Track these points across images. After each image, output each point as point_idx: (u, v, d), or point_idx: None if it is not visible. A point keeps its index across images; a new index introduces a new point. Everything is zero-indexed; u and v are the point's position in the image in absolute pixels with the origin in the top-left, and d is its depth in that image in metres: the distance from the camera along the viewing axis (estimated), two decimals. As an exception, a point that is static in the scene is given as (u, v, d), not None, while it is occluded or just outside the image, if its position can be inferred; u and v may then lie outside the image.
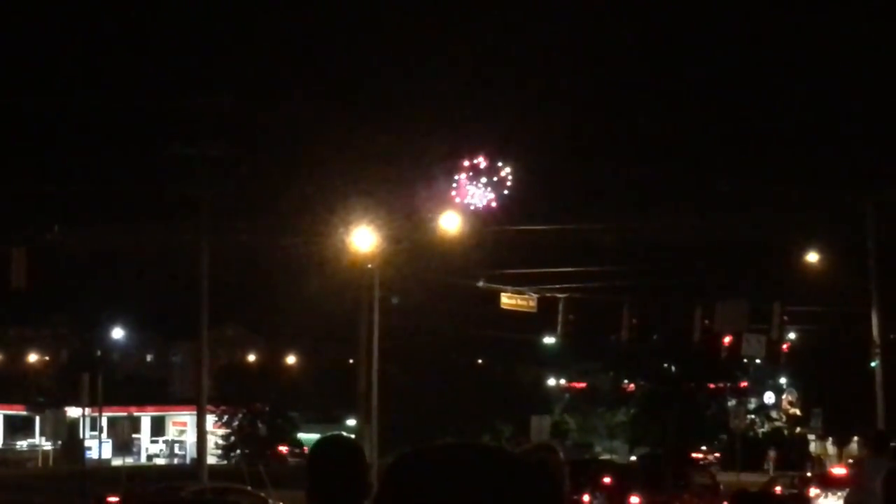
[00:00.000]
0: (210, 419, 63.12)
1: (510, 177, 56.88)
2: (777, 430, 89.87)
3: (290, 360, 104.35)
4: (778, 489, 47.90)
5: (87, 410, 58.98)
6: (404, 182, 54.23)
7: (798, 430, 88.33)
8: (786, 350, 66.36)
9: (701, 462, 53.75)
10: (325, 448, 5.54)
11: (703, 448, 67.06)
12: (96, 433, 69.59)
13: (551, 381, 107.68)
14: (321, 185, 53.34)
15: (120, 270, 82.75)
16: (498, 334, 73.99)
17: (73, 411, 73.21)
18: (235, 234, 52.03)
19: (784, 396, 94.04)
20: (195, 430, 54.91)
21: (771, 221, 60.80)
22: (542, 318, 57.62)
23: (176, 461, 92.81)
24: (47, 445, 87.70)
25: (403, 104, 74.62)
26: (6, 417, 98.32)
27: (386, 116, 70.21)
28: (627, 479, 45.39)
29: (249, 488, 43.93)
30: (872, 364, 53.68)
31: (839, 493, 38.84)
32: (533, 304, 54.10)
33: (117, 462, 75.55)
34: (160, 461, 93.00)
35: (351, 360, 63.17)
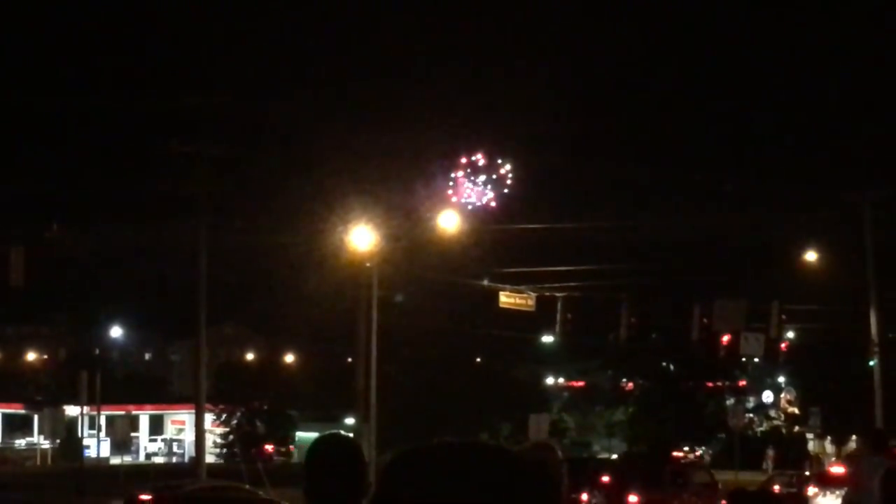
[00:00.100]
0: (209, 418, 63.09)
1: (510, 174, 56.92)
2: (775, 429, 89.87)
3: (289, 358, 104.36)
4: (776, 488, 47.91)
5: (86, 409, 59.02)
6: (403, 180, 54.28)
7: (796, 428, 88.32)
8: (784, 349, 66.30)
9: (682, 460, 53.65)
10: (324, 447, 5.53)
11: (686, 448, 67.00)
12: (95, 431, 69.64)
13: (550, 380, 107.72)
14: (320, 183, 53.35)
15: (119, 269, 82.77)
16: (496, 333, 74.01)
17: (71, 410, 73.23)
18: (234, 232, 52.01)
19: (782, 395, 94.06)
20: (194, 428, 54.88)
21: (769, 220, 60.82)
22: (540, 317, 57.61)
23: (174, 460, 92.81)
24: (46, 444, 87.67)
25: (402, 102, 74.63)
26: (5, 416, 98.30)
27: (385, 115, 70.26)
28: (626, 477, 45.38)
29: (248, 486, 43.97)
30: (871, 363, 53.70)
31: (837, 492, 38.88)
32: (531, 302, 54.09)
33: (116, 461, 75.58)
34: (158, 460, 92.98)
35: (349, 359, 63.21)
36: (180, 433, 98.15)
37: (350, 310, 53.08)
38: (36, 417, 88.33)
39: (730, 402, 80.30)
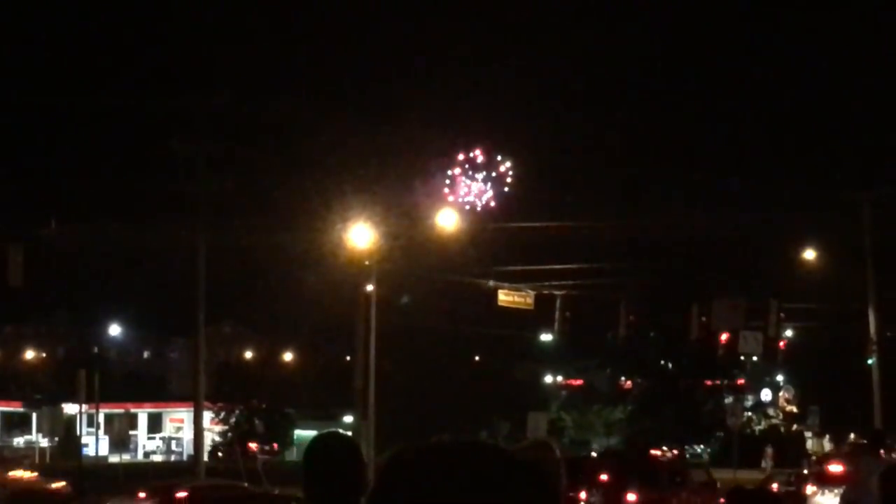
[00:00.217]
0: (207, 416, 63.11)
1: (510, 172, 56.91)
2: (774, 428, 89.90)
3: (288, 357, 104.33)
4: (774, 486, 47.91)
5: (84, 407, 58.99)
6: (402, 178, 54.26)
7: (795, 427, 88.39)
8: (783, 347, 66.33)
9: (661, 458, 53.59)
10: (322, 445, 5.53)
11: (664, 447, 67.03)
12: (93, 430, 69.51)
13: (548, 379, 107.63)
14: (318, 181, 53.33)
15: (117, 267, 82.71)
16: (495, 331, 74.03)
17: (69, 408, 73.24)
18: (233, 231, 52.02)
19: (781, 394, 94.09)
20: (192, 426, 54.90)
21: (768, 219, 60.85)
22: (539, 316, 57.64)
23: (173, 458, 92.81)
24: (44, 442, 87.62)
25: (401, 100, 74.63)
26: (3, 414, 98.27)
27: (384, 112, 70.26)
28: (625, 476, 45.36)
29: (246, 485, 43.96)
30: (869, 361, 53.76)
31: (836, 491, 38.85)
32: (530, 301, 54.11)
33: (114, 459, 75.51)
34: (157, 458, 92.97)
35: (348, 357, 63.20)
36: (179, 431, 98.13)
37: (348, 308, 53.08)
38: (34, 416, 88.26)
39: (728, 400, 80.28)
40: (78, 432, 61.56)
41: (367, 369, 50.80)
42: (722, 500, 36.71)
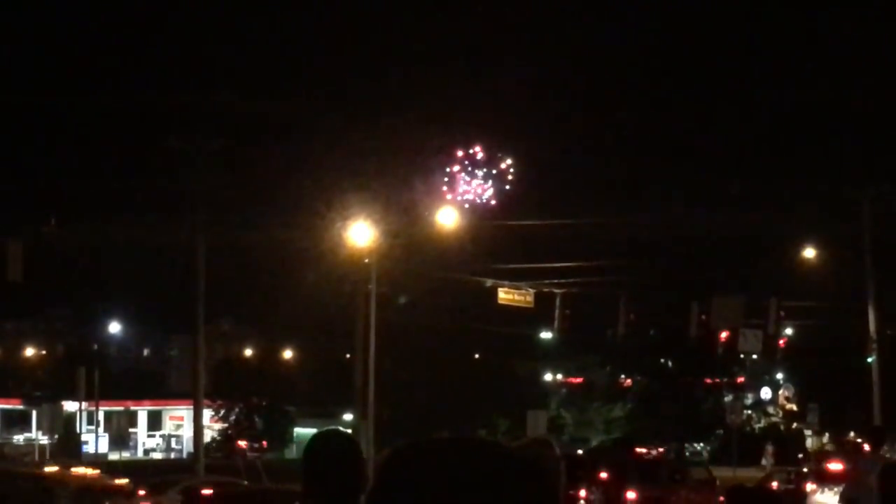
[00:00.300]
0: (207, 413, 63.13)
1: (511, 169, 56.89)
2: (773, 426, 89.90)
3: (287, 354, 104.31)
4: (774, 484, 47.92)
5: (84, 404, 59.07)
6: (402, 176, 54.25)
7: (794, 425, 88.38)
8: (782, 345, 66.35)
9: (646, 457, 53.58)
10: (322, 443, 5.53)
11: (650, 445, 67.07)
12: (93, 427, 69.64)
13: (548, 376, 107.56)
14: (318, 179, 53.34)
15: (117, 264, 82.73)
16: (495, 329, 74.03)
17: (69, 405, 73.28)
18: (232, 228, 52.03)
19: (781, 392, 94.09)
20: (192, 424, 54.91)
21: (768, 217, 60.87)
22: (538, 313, 57.63)
23: (173, 455, 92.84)
24: (44, 440, 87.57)
25: (401, 98, 74.55)
26: (2, 411, 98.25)
27: (384, 111, 70.14)
28: (624, 473, 45.38)
29: (246, 483, 43.96)
30: (869, 359, 53.75)
31: (836, 489, 38.85)
32: (530, 298, 54.10)
33: (114, 456, 75.59)
34: (157, 455, 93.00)
35: (348, 355, 63.17)
36: (178, 429, 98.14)
37: (348, 306, 53.07)
38: (34, 413, 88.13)
39: (728, 398, 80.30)
40: (78, 430, 61.61)
41: (367, 367, 50.79)
42: (721, 497, 36.74)
